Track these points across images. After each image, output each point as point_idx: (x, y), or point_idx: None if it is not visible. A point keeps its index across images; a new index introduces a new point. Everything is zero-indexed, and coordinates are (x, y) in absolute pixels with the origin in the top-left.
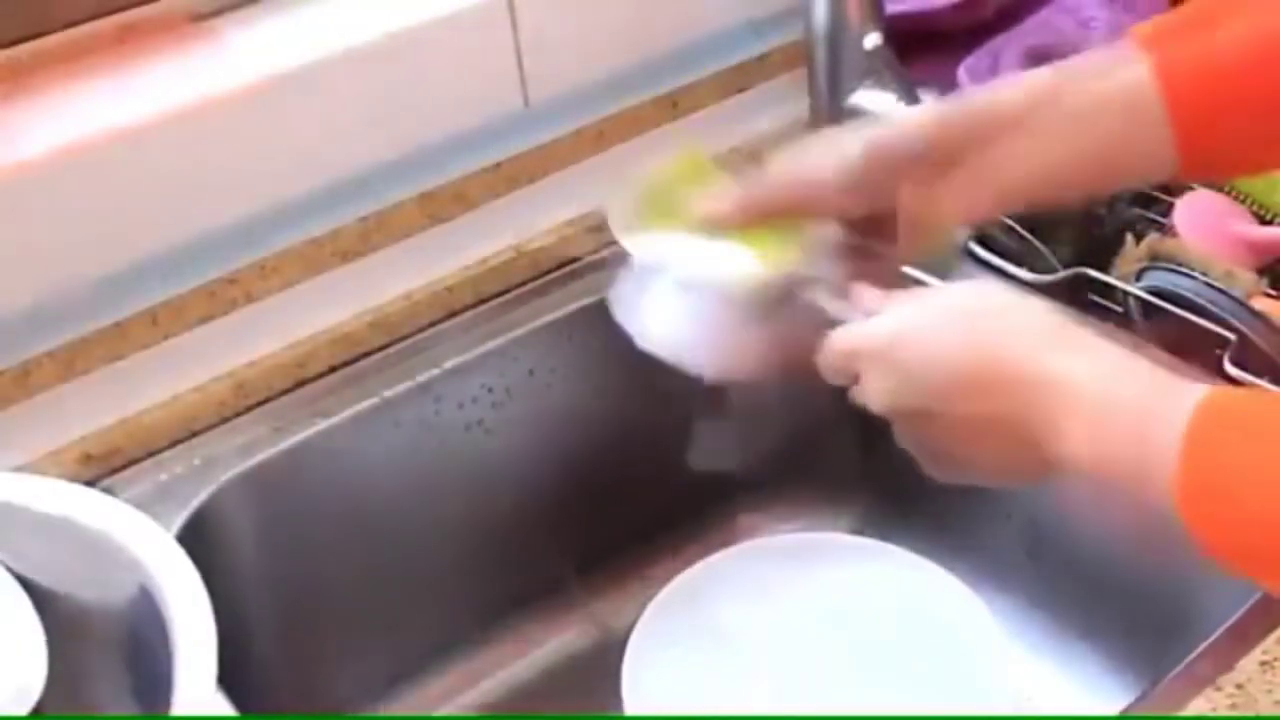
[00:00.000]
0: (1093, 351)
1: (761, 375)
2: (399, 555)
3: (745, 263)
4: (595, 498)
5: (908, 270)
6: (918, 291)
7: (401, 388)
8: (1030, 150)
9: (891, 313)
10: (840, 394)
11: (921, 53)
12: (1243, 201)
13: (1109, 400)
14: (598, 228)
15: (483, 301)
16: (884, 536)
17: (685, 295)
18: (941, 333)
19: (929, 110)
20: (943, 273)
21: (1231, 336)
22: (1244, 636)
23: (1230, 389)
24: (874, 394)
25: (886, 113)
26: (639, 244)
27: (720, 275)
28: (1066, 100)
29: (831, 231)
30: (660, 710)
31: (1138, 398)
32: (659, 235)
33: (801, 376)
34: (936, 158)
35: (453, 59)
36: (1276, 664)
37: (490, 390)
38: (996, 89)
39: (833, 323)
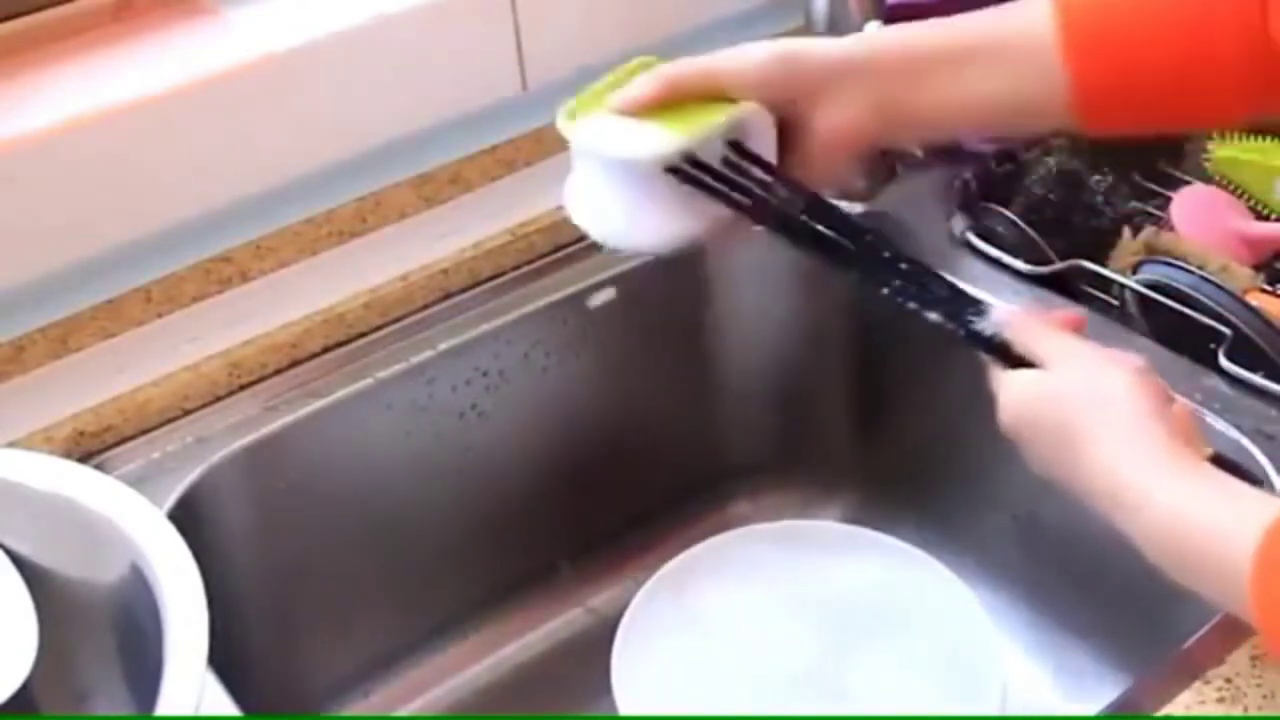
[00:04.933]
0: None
1: (683, 245)
2: (391, 537)
3: (656, 135)
4: (588, 483)
5: None
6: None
7: (395, 369)
8: (943, 86)
9: (1017, 386)
10: (835, 384)
11: None
12: (1240, 197)
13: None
14: None
15: (478, 284)
16: (876, 527)
17: (606, 172)
18: (1040, 428)
19: (860, 37)
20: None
21: (1226, 331)
22: (1234, 631)
23: None
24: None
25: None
26: (571, 131)
27: (629, 148)
28: (978, 43)
29: (756, 111)
30: (649, 697)
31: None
32: (590, 122)
33: (723, 245)
34: (846, 84)
35: (452, 41)
36: (1266, 659)
37: (484, 373)
38: (917, 27)
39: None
